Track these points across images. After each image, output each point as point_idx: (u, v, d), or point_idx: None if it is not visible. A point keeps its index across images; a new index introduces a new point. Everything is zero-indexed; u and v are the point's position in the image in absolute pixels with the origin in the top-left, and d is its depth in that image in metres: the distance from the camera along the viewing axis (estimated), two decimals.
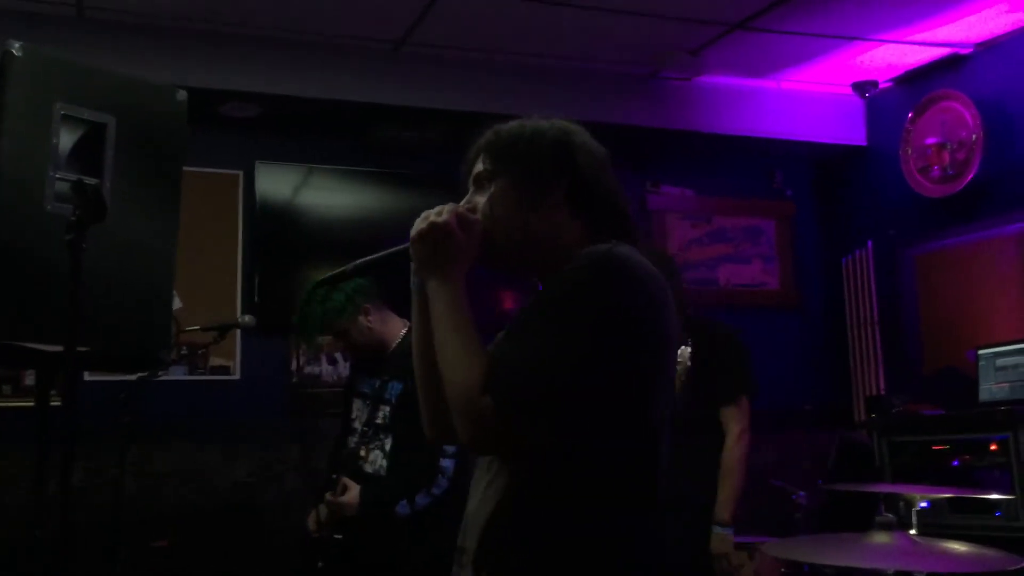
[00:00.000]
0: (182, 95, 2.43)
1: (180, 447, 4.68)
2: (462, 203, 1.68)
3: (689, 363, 3.22)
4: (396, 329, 3.30)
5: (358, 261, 1.71)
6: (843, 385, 5.70)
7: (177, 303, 2.42)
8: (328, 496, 3.15)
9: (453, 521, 1.70)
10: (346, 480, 3.14)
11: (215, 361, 4.87)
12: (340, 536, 3.19)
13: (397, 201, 5.18)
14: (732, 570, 3.28)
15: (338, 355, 5.03)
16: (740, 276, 5.90)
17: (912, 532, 2.49)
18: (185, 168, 2.43)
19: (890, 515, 2.28)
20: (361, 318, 3.23)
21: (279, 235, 5.05)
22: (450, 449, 3.00)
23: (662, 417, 1.57)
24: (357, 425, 3.30)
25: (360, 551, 3.17)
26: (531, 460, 1.52)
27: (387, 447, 3.17)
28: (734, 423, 3.36)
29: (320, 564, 3.20)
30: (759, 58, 5.16)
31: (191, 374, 4.84)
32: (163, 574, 4.27)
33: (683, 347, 3.23)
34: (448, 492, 3.01)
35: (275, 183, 5.08)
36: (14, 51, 2.12)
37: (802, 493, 4.04)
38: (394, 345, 3.27)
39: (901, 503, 3.09)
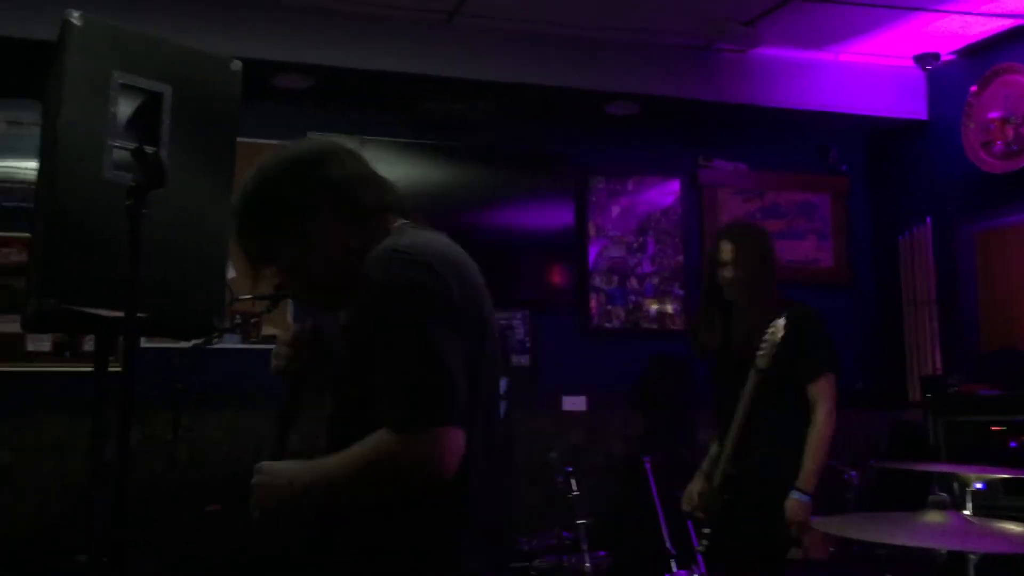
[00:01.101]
0: (236, 65, 2.45)
1: (231, 415, 4.75)
2: (275, 284, 1.82)
3: (781, 334, 3.19)
4: None
5: None
6: (897, 364, 5.61)
7: (231, 272, 2.45)
8: None
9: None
10: None
11: (267, 331, 4.93)
12: None
13: (448, 173, 5.19)
14: (801, 538, 3.27)
15: None
16: (793, 252, 5.81)
17: (966, 512, 2.45)
18: (238, 139, 2.44)
19: (944, 494, 2.25)
20: None
21: None
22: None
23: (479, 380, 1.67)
24: None
25: None
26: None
27: None
28: (824, 399, 3.38)
29: None
30: (816, 29, 5.05)
31: (244, 343, 4.91)
32: (215, 538, 4.35)
33: (778, 319, 3.20)
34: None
35: None
36: (73, 20, 2.15)
37: (853, 472, 4.00)
38: None
39: (956, 483, 3.05)
